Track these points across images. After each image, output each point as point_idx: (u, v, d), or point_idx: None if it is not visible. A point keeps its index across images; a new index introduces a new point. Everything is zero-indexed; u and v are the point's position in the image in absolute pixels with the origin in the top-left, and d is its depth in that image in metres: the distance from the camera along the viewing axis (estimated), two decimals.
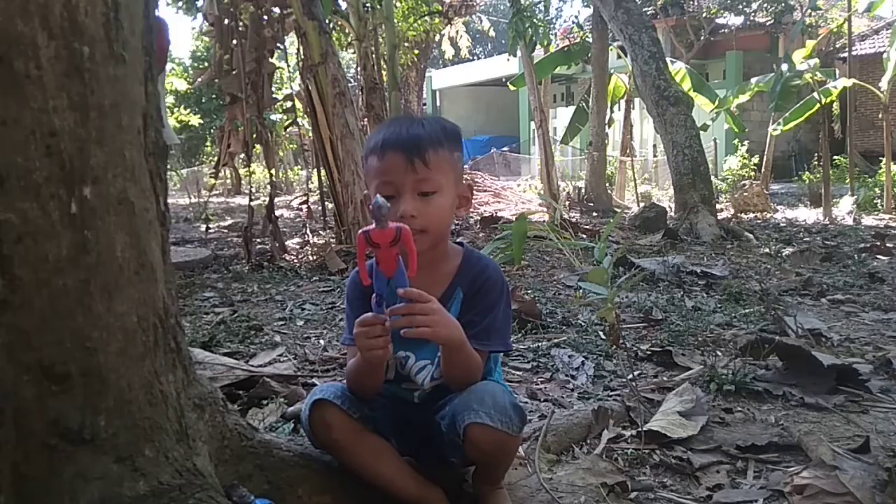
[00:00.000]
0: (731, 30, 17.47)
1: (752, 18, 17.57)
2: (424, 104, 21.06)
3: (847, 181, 10.11)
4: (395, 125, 1.37)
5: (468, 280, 1.38)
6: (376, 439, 1.35)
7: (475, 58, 26.16)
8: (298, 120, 6.41)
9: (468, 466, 1.45)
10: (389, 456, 1.36)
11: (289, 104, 5.87)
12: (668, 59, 7.95)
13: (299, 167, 15.63)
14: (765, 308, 3.08)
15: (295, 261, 5.07)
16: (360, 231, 1.17)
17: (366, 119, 6.30)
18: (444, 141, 1.33)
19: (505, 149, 20.13)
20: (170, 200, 1.20)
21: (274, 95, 5.53)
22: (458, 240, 1.52)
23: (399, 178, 1.29)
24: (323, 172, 5.79)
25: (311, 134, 6.03)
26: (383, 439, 1.37)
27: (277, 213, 5.56)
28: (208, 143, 20.59)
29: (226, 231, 7.18)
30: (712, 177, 7.91)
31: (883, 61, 9.25)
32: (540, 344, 2.67)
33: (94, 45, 0.94)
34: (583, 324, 2.98)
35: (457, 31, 15.81)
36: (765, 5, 16.91)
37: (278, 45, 5.39)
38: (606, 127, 10.45)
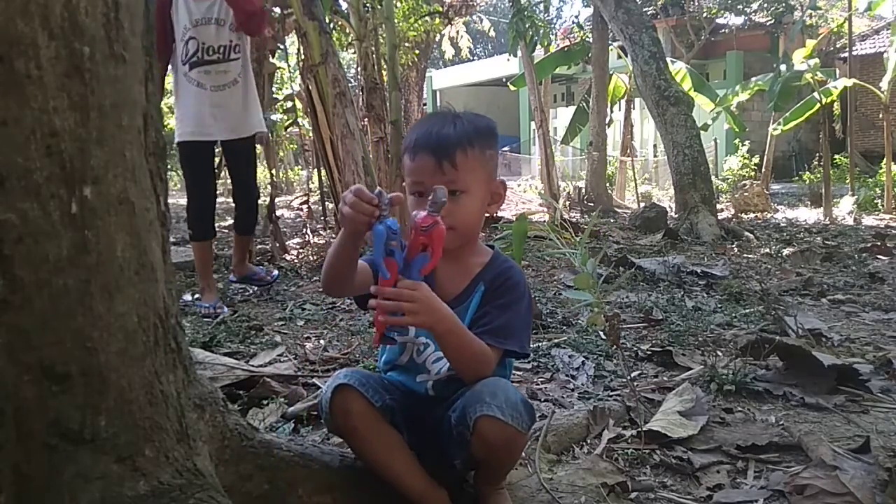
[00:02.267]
0: (732, 30, 17.47)
1: (752, 18, 17.56)
2: (425, 104, 21.04)
3: (847, 181, 10.11)
4: (428, 124, 1.40)
5: (491, 276, 1.41)
6: (392, 432, 1.35)
7: (475, 58, 26.15)
8: (299, 120, 6.42)
9: (470, 470, 1.45)
10: (402, 451, 1.36)
11: (289, 104, 5.88)
12: (668, 59, 7.95)
13: (300, 167, 15.62)
14: (765, 308, 3.08)
15: (295, 261, 5.07)
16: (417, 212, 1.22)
17: (366, 119, 6.30)
18: (474, 140, 1.36)
19: (505, 149, 20.11)
20: (170, 200, 1.20)
21: (274, 95, 5.53)
22: (489, 242, 1.55)
23: (428, 179, 1.32)
24: (323, 172, 5.80)
25: (311, 134, 6.03)
26: (398, 432, 1.37)
27: (278, 213, 5.57)
28: None
29: (226, 231, 7.18)
30: (713, 177, 7.91)
31: (884, 61, 9.25)
32: (540, 344, 2.67)
33: (94, 45, 0.94)
34: (583, 324, 2.98)
35: (457, 32, 15.80)
36: (765, 5, 16.91)
37: (279, 45, 5.39)
38: (607, 127, 10.45)
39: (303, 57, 5.34)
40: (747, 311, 3.23)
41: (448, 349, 1.32)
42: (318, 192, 7.00)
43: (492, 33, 18.84)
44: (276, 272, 3.98)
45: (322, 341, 2.84)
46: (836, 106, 11.21)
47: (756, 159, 12.40)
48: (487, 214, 1.48)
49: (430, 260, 1.20)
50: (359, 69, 7.38)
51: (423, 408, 1.42)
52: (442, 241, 1.20)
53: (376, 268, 1.25)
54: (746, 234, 6.41)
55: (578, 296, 2.28)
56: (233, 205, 3.78)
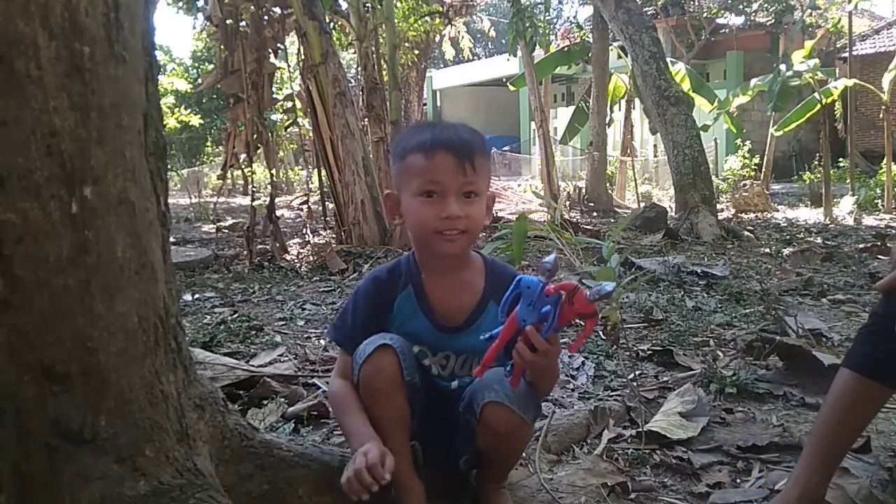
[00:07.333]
0: (732, 30, 17.47)
1: (752, 18, 17.57)
2: (425, 104, 21.05)
3: (848, 181, 10.11)
4: (437, 129, 1.38)
5: (501, 294, 1.36)
6: (405, 411, 1.34)
7: (476, 58, 26.14)
8: (299, 120, 6.42)
9: (472, 469, 1.45)
10: (401, 432, 1.35)
11: (289, 104, 5.87)
12: (668, 60, 7.94)
13: (300, 167, 15.63)
14: (765, 308, 3.07)
15: (295, 261, 5.07)
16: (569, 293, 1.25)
17: (366, 119, 6.30)
18: (484, 148, 1.37)
19: (505, 149, 20.13)
20: (170, 200, 1.20)
21: (274, 95, 5.53)
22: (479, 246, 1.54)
23: (446, 179, 1.30)
24: (323, 172, 5.80)
25: (311, 134, 6.03)
26: (409, 415, 1.35)
27: (278, 213, 5.57)
28: (209, 143, 20.61)
29: (227, 231, 7.18)
30: (713, 177, 7.90)
31: (886, 59, 9.24)
32: None
33: (94, 45, 0.94)
34: (582, 324, 2.97)
35: (458, 32, 15.80)
36: (765, 5, 16.91)
37: (279, 45, 5.39)
38: (607, 127, 10.45)
39: (303, 57, 5.35)
40: (747, 311, 3.23)
41: (542, 380, 1.36)
42: (318, 192, 7.00)
43: (492, 33, 18.85)
44: None
45: (322, 341, 2.83)
46: (838, 106, 11.21)
47: (756, 159, 12.39)
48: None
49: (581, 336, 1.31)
50: (359, 69, 7.38)
51: (441, 401, 1.42)
52: (592, 327, 1.29)
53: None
54: (746, 234, 6.41)
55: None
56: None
